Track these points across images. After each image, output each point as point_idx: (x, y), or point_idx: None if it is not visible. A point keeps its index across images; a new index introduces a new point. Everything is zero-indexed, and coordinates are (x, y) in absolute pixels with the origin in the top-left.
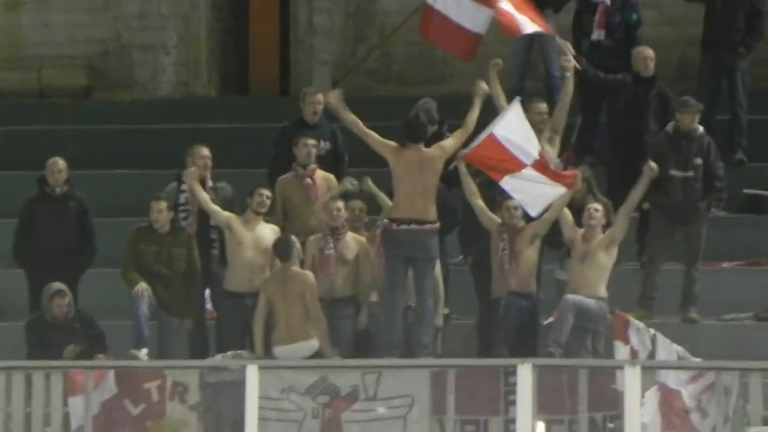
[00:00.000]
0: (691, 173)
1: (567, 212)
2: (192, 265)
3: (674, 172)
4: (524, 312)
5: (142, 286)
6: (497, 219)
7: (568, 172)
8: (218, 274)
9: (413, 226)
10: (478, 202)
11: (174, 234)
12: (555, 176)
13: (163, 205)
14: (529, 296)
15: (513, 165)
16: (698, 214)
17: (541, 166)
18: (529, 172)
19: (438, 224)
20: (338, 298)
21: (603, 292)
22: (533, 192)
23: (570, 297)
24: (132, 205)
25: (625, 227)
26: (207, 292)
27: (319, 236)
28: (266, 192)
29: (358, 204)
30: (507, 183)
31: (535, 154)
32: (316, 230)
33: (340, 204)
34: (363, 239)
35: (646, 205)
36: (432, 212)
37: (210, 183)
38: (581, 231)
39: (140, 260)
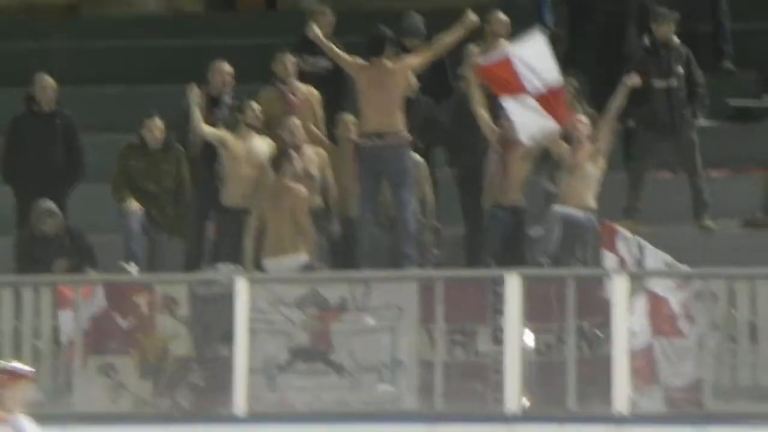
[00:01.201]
0: (673, 82)
1: (484, 113)
2: (181, 182)
3: (657, 82)
4: (511, 224)
5: (133, 202)
6: (498, 129)
7: (568, 112)
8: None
9: (377, 141)
10: (482, 112)
11: (164, 151)
12: (554, 112)
13: (156, 123)
14: (517, 209)
15: (516, 88)
16: (685, 122)
17: (546, 100)
18: (530, 100)
19: (406, 135)
20: (310, 211)
21: (591, 202)
22: (528, 119)
23: (557, 208)
24: (120, 121)
25: (609, 137)
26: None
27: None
28: (257, 106)
29: (351, 119)
30: (507, 102)
31: (543, 88)
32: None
33: (297, 122)
34: (323, 151)
35: (631, 123)
36: (397, 124)
37: (229, 100)
38: (566, 145)
39: (129, 176)
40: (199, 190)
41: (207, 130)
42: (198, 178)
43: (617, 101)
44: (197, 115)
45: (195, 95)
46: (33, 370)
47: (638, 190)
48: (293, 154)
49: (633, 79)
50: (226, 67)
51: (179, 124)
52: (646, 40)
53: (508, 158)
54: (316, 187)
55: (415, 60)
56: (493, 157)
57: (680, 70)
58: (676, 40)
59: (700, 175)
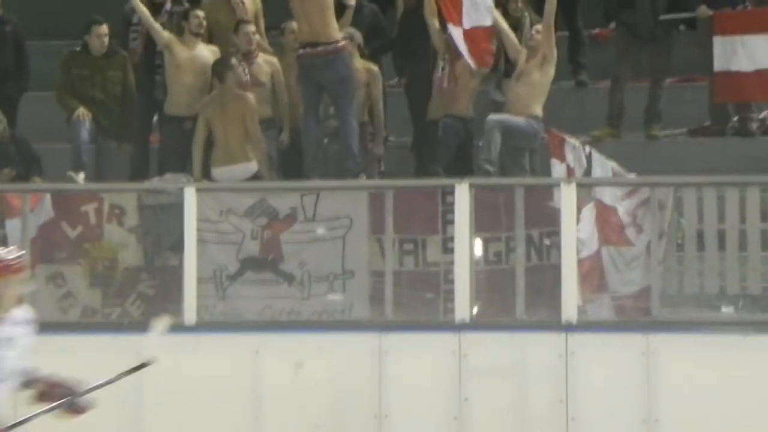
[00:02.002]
0: None
1: (511, 33)
2: (128, 88)
3: None
4: (460, 134)
5: (82, 110)
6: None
7: (488, 55)
8: (163, 101)
9: (308, 50)
10: (434, 21)
11: (108, 57)
12: (475, 50)
13: (104, 29)
14: (466, 118)
15: (455, 18)
16: (666, 29)
17: (469, 35)
18: (455, 31)
19: (340, 43)
20: (260, 121)
21: (537, 110)
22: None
23: (493, 116)
24: (65, 27)
25: (551, 42)
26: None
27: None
28: (201, 12)
29: (291, 26)
30: (450, 28)
31: (467, 24)
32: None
33: (251, 28)
34: (275, 59)
35: (612, 25)
36: (328, 32)
37: (169, 5)
38: (525, 52)
39: (74, 84)
40: (142, 98)
41: (156, 27)
42: (141, 86)
43: (551, 6)
44: (144, 9)
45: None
46: (22, 255)
47: (619, 97)
48: (236, 62)
49: None
50: None
51: (120, 31)
52: None
53: (456, 66)
54: (266, 97)
55: None
56: (442, 66)
57: None
58: None
59: (662, 85)
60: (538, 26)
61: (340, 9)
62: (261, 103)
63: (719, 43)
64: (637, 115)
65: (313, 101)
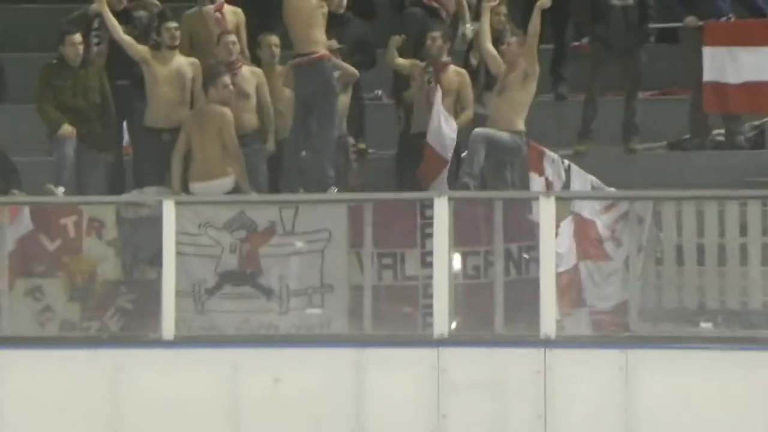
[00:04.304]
0: (630, 1)
1: (491, 48)
2: (105, 97)
3: (614, 1)
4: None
5: (67, 128)
6: (420, 63)
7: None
8: (134, 108)
9: (296, 60)
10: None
11: (85, 66)
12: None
13: (77, 38)
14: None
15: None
16: (638, 42)
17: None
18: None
19: (318, 54)
20: (245, 133)
21: (519, 125)
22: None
23: (479, 129)
24: (39, 39)
25: (533, 59)
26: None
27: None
28: (173, 24)
29: (273, 39)
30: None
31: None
32: None
33: (233, 38)
34: (259, 70)
35: (585, 39)
36: (311, 44)
37: (144, 18)
38: (504, 65)
39: (55, 95)
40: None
41: (129, 41)
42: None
43: (534, 23)
44: (114, 23)
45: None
46: None
47: (591, 111)
48: (220, 76)
49: (491, 3)
50: None
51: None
52: None
53: (443, 82)
54: (251, 107)
55: None
56: (427, 79)
57: None
58: None
59: (637, 97)
60: (512, 39)
61: (337, 21)
62: (248, 114)
63: (709, 54)
64: (616, 128)
65: (299, 112)
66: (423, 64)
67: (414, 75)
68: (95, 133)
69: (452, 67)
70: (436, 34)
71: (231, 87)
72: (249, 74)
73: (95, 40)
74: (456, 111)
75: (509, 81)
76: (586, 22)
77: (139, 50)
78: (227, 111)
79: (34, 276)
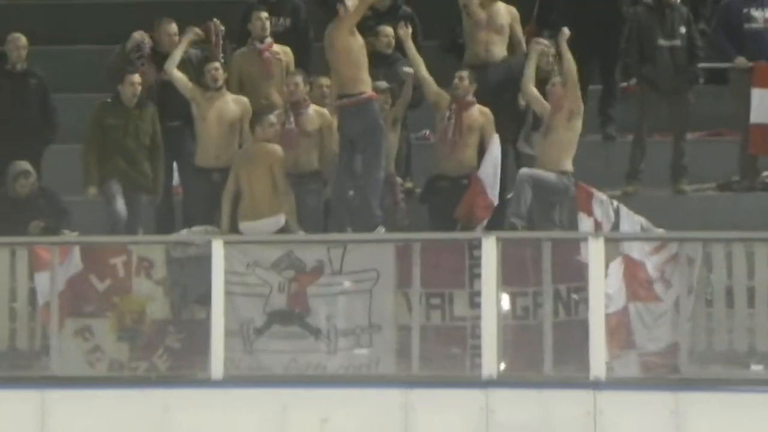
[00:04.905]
0: (677, 42)
1: (534, 90)
2: (156, 140)
3: (662, 42)
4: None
5: (91, 192)
6: (445, 94)
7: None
8: (185, 148)
9: (340, 102)
10: (426, 75)
11: (140, 108)
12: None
13: (137, 78)
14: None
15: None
16: (686, 83)
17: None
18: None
19: (366, 94)
20: (304, 173)
21: (567, 165)
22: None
23: (524, 170)
24: (93, 80)
25: (575, 95)
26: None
27: (281, 111)
28: (215, 65)
29: (324, 81)
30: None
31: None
32: (279, 105)
33: (298, 79)
34: (326, 112)
35: (633, 81)
36: (356, 85)
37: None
38: (548, 105)
39: (107, 135)
40: (166, 149)
41: (180, 77)
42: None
43: (566, 58)
44: (174, 57)
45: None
46: None
47: (640, 152)
48: (266, 114)
49: (566, 34)
50: (172, 28)
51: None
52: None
53: (464, 120)
54: (312, 147)
55: (354, 16)
56: (447, 116)
57: (683, 30)
58: None
59: (685, 138)
60: (557, 80)
61: (377, 59)
62: (308, 154)
63: (757, 95)
64: (665, 169)
65: (345, 153)
66: (449, 97)
67: (439, 105)
68: (143, 174)
69: (477, 106)
70: (464, 73)
71: (277, 126)
72: (315, 114)
73: (139, 61)
74: (480, 149)
75: (554, 122)
76: (634, 62)
77: (188, 88)
78: (277, 149)
79: (83, 316)
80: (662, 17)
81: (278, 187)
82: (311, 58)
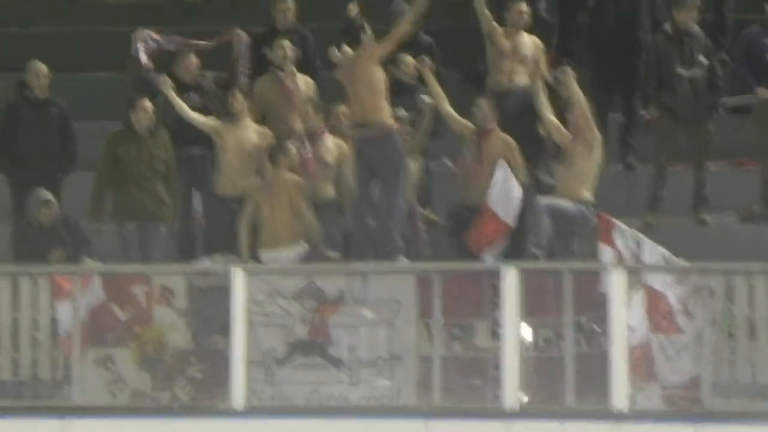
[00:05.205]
0: (696, 71)
1: (552, 118)
2: (170, 167)
3: (681, 71)
4: None
5: (128, 225)
6: (469, 124)
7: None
8: (206, 176)
9: (360, 131)
10: (449, 110)
11: (153, 135)
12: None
13: (147, 104)
14: None
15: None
16: (706, 112)
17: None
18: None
19: (388, 124)
20: (322, 202)
21: (585, 194)
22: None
23: (542, 199)
24: (109, 108)
25: (588, 125)
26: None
27: (295, 139)
28: (236, 92)
29: (341, 108)
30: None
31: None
32: (300, 134)
33: (309, 108)
34: (344, 144)
35: (652, 110)
36: (377, 114)
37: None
38: (568, 135)
39: (120, 165)
40: (183, 177)
41: (196, 117)
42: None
43: (572, 89)
44: (181, 103)
45: (167, 84)
46: None
47: (661, 182)
48: (289, 144)
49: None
50: (193, 60)
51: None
52: (668, 28)
53: (484, 150)
54: (329, 177)
55: (379, 49)
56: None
57: (702, 59)
58: (696, 28)
59: (706, 168)
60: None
61: (397, 87)
62: (325, 184)
63: None
64: (686, 199)
65: (365, 182)
66: (473, 127)
67: (465, 136)
68: (161, 203)
69: (498, 134)
70: (484, 101)
71: (294, 155)
72: (332, 145)
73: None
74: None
75: (573, 151)
76: (653, 91)
77: (208, 124)
78: (297, 178)
79: (105, 345)
80: (680, 46)
81: (302, 215)
82: (319, 88)
